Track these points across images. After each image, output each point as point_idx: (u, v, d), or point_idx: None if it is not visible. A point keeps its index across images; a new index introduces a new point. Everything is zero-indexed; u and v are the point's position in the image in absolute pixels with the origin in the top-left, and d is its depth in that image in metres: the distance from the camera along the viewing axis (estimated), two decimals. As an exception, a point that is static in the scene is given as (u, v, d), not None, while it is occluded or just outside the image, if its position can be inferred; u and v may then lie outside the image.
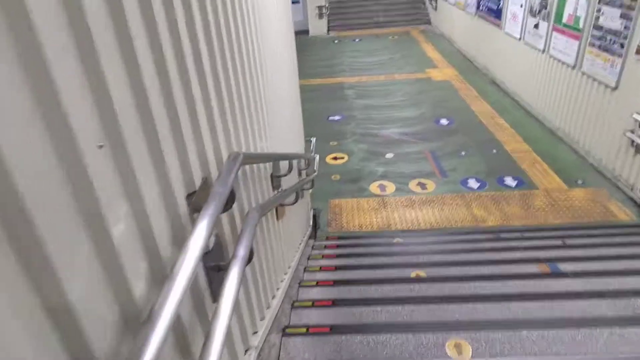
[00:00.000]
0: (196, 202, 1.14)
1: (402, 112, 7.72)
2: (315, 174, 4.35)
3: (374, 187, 5.44)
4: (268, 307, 2.13)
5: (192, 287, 1.15)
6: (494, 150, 6.13)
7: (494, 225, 4.59)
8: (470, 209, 4.88)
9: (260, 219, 1.60)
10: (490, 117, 7.25)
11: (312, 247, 3.94)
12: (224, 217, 1.44)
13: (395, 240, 3.97)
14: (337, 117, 7.72)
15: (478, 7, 9.57)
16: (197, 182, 1.20)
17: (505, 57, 8.14)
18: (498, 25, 8.48)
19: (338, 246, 4.02)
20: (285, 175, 2.52)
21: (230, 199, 1.20)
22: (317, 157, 4.60)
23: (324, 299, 2.67)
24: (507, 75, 8.13)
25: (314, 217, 4.90)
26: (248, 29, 1.94)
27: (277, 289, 2.44)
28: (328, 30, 14.84)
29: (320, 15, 14.69)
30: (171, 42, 1.05)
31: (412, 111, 7.74)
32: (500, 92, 8.30)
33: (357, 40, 13.59)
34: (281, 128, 2.86)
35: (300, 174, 3.58)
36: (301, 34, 15.10)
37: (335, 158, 6.27)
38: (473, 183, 5.37)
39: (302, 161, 3.56)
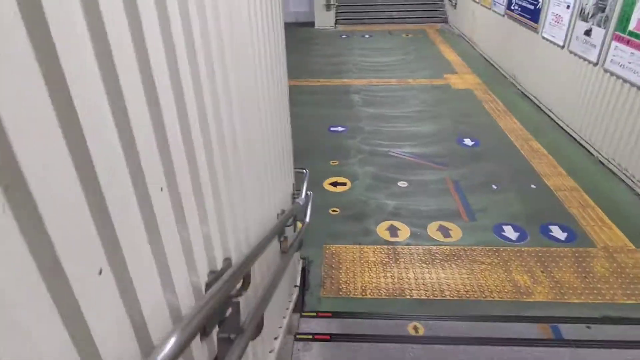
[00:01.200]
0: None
1: (418, 126, 6.52)
2: (307, 221, 3.18)
3: (382, 230, 4.26)
4: None
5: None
6: (533, 186, 4.94)
7: (543, 300, 3.41)
8: (509, 271, 3.70)
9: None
10: (523, 138, 6.05)
11: (295, 338, 2.76)
12: None
13: (411, 352, 2.77)
14: (340, 129, 6.52)
15: (509, 6, 8.32)
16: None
17: (542, 67, 6.92)
18: (534, 29, 7.24)
19: (331, 337, 2.83)
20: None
21: None
22: (311, 197, 3.42)
23: None
24: (543, 88, 6.91)
25: (303, 271, 3.73)
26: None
27: None
28: (336, 23, 13.57)
29: (328, 7, 13.41)
30: None
31: (430, 126, 6.54)
32: (532, 107, 7.09)
33: (367, 36, 12.33)
34: (254, 194, 1.70)
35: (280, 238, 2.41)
36: (306, 25, 13.85)
37: (335, 184, 5.08)
38: (510, 232, 4.18)
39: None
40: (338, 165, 5.47)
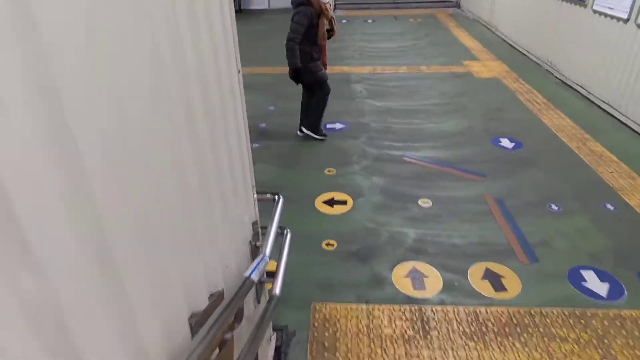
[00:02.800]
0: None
1: (439, 123, 5.09)
2: (279, 289, 1.77)
3: (400, 277, 2.84)
4: None
5: None
6: (610, 206, 3.51)
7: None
8: (610, 354, 2.28)
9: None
10: (579, 138, 4.62)
11: None
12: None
13: None
14: (338, 126, 5.09)
15: (543, -22, 6.88)
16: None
17: (593, 49, 5.48)
18: (580, 2, 5.81)
19: None
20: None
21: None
22: (287, 237, 2.00)
23: None
24: (595, 75, 5.47)
25: (278, 353, 2.33)
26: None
27: None
28: (335, 8, 12.12)
29: (326, -11, 11.94)
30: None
31: (454, 122, 5.10)
32: (580, 99, 5.66)
33: (369, 21, 10.89)
34: None
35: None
36: (301, 11, 12.35)
37: (331, 202, 3.65)
38: (595, 282, 2.76)
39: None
40: (335, 176, 4.04)
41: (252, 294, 1.80)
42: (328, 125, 5.08)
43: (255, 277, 1.34)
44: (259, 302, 1.95)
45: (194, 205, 1.10)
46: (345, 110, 5.50)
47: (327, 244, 3.15)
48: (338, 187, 3.83)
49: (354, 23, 10.68)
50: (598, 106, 5.34)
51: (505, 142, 4.57)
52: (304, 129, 4.75)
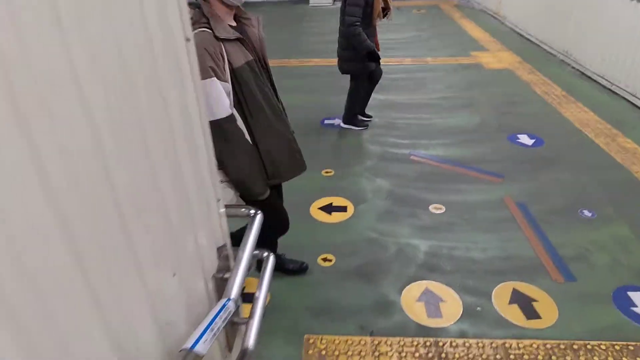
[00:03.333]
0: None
1: (449, 118, 4.61)
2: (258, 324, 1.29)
3: (411, 300, 2.37)
4: None
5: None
6: (652, 211, 3.04)
7: None
8: (680, 406, 1.82)
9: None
10: (606, 134, 4.14)
11: None
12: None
13: None
14: (337, 121, 4.62)
15: (558, -38, 6.38)
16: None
17: (616, 36, 4.99)
18: (602, -16, 5.32)
19: None
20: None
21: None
22: (270, 263, 1.52)
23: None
24: (620, 64, 4.98)
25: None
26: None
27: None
28: (335, 0, 11.63)
29: (325, -20, 11.46)
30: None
31: (465, 116, 4.62)
32: (602, 90, 5.17)
33: (370, 13, 10.39)
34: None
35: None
36: (299, 3, 11.94)
37: (328, 209, 3.18)
38: (648, 306, 2.29)
39: None
40: (334, 177, 3.57)
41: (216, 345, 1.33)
42: (326, 121, 4.61)
43: (203, 347, 0.87)
44: (230, 350, 1.49)
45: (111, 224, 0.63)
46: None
47: (324, 259, 2.68)
48: (337, 191, 3.36)
49: (354, 15, 10.19)
50: (624, 98, 4.85)
51: (524, 139, 4.09)
52: (344, 124, 4.44)
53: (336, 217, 3.06)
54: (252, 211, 1.54)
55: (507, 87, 5.44)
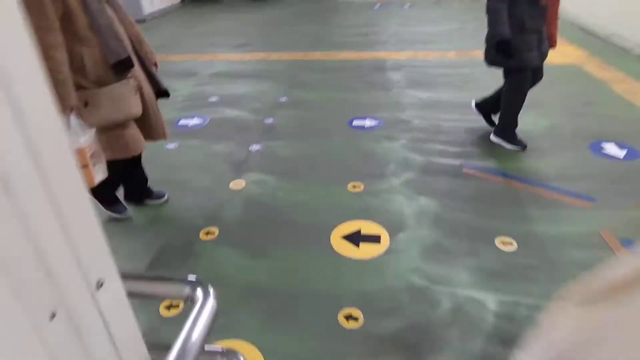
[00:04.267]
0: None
1: (507, 121, 3.71)
2: None
3: (482, 401, 1.53)
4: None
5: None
6: None
7: None
8: None
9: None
10: None
11: None
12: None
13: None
14: (368, 122, 3.80)
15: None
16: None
17: None
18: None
19: None
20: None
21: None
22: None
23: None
24: None
25: None
26: None
27: None
28: (366, -7, 10.81)
29: (357, -28, 10.65)
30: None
31: (530, 119, 3.70)
32: (701, 90, 4.15)
33: (407, 6, 9.52)
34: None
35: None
36: (329, -3, 11.18)
37: (355, 237, 2.35)
38: None
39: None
40: (364, 194, 2.75)
41: None
42: (354, 122, 3.80)
43: None
44: None
45: None
46: (378, 103, 4.20)
47: (347, 317, 1.87)
48: (367, 213, 2.54)
49: (388, 8, 9.34)
50: None
51: (612, 149, 3.16)
52: (494, 136, 3.33)
53: (366, 251, 2.25)
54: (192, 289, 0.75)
55: (577, 84, 4.48)
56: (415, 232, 2.37)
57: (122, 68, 2.08)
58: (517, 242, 2.26)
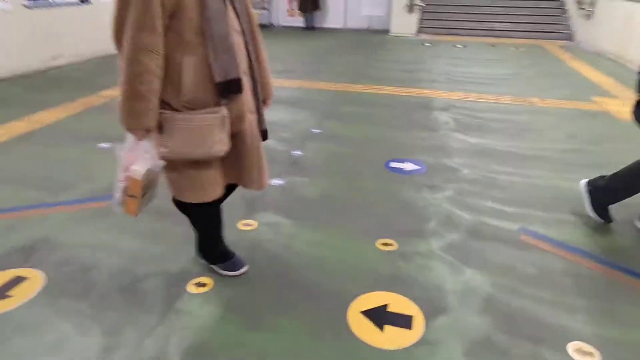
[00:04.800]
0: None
1: (576, 180, 3.11)
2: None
3: None
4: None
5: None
6: None
7: None
8: None
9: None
10: None
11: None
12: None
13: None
14: (408, 166, 3.31)
15: None
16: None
17: None
18: None
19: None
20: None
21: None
22: None
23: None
24: None
25: None
26: None
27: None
28: (418, 31, 10.53)
29: (411, 8, 10.43)
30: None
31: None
32: None
33: (459, 46, 9.12)
34: None
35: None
36: (379, 33, 11.01)
37: (378, 316, 1.82)
38: None
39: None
40: (396, 255, 2.23)
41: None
42: (392, 164, 3.32)
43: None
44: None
45: None
46: (422, 145, 3.72)
47: None
48: (398, 282, 2.02)
49: (439, 47, 8.97)
50: None
51: None
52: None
53: (392, 338, 1.71)
54: None
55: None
56: (458, 317, 1.82)
57: (226, 91, 1.57)
58: (599, 352, 1.66)
